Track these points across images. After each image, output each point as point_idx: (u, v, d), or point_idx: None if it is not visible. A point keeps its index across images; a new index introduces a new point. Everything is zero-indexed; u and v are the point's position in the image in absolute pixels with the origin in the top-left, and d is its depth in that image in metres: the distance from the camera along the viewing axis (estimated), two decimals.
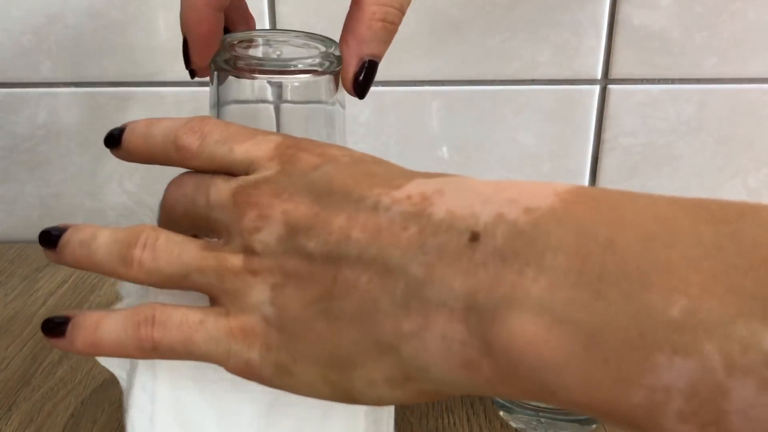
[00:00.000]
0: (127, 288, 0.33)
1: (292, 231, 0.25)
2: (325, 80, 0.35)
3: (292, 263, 0.25)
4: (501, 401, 0.39)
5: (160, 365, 0.33)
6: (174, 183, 0.31)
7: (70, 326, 0.28)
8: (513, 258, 0.22)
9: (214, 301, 0.28)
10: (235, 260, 0.26)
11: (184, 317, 0.27)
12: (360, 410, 0.32)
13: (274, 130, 0.36)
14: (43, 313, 0.50)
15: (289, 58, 0.35)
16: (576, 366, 0.21)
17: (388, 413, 0.32)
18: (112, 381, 0.43)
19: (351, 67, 0.33)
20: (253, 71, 0.34)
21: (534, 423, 0.38)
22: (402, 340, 0.24)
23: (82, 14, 0.56)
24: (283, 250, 0.25)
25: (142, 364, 0.33)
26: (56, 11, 0.56)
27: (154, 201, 0.62)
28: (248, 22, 0.38)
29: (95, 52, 0.57)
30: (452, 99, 0.59)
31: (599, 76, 0.59)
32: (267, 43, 0.37)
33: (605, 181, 0.61)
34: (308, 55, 0.35)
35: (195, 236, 0.29)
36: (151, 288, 0.30)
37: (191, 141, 0.29)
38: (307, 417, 0.32)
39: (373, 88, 0.59)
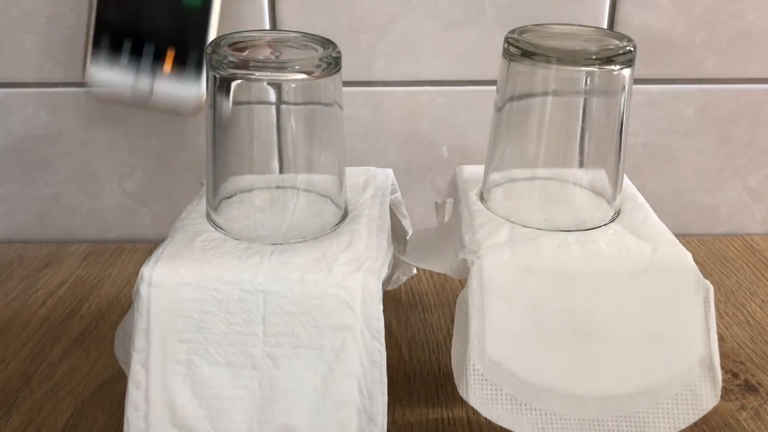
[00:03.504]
0: None
1: None
2: (324, 82, 0.35)
3: None
4: None
5: (152, 362, 0.33)
6: None
7: None
8: None
9: None
10: None
11: None
12: (353, 407, 0.32)
13: (273, 130, 0.36)
14: (43, 314, 0.51)
15: (288, 59, 0.35)
16: None
17: (382, 410, 0.32)
18: (112, 381, 0.43)
19: None
20: (251, 72, 0.34)
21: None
22: None
23: (82, 14, 0.56)
24: None
25: (135, 361, 0.33)
26: (56, 11, 0.56)
27: (154, 201, 0.62)
28: None
29: None
30: (452, 99, 0.59)
31: None
32: (266, 43, 0.37)
33: None
34: (307, 56, 0.35)
35: None
36: None
37: None
38: (299, 414, 0.32)
39: (373, 88, 0.59)
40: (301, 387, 0.33)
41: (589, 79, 0.36)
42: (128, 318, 0.35)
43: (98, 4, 0.51)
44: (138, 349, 0.33)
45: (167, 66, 0.46)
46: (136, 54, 0.50)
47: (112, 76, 0.51)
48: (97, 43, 0.50)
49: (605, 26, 0.57)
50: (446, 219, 0.46)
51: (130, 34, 0.50)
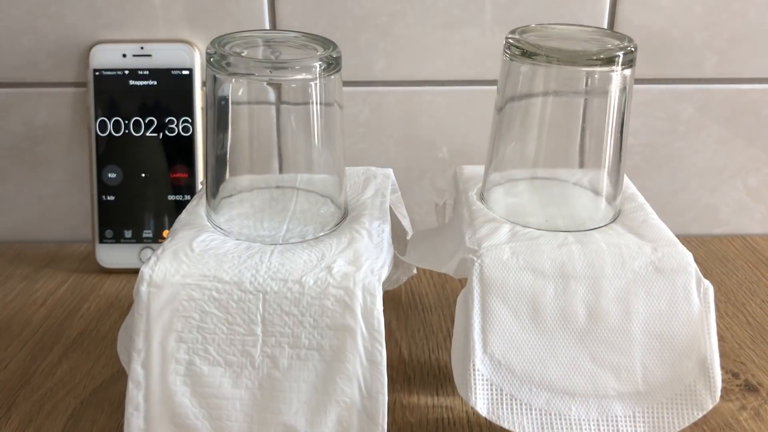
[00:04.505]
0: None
1: None
2: (324, 82, 0.35)
3: None
4: None
5: (152, 362, 0.33)
6: None
7: None
8: None
9: None
10: None
11: None
12: (353, 407, 0.32)
13: (273, 130, 0.36)
14: (43, 314, 0.51)
15: (288, 59, 0.35)
16: None
17: (382, 410, 0.32)
18: (111, 381, 0.43)
19: None
20: (251, 72, 0.34)
21: None
22: None
23: (82, 14, 0.56)
24: None
25: (135, 361, 0.33)
26: (56, 11, 0.56)
27: None
28: None
29: None
30: (452, 99, 0.59)
31: None
32: (266, 43, 0.37)
33: None
34: (307, 56, 0.35)
35: None
36: None
37: None
38: (299, 414, 0.32)
39: (373, 88, 0.59)
40: (301, 387, 0.33)
41: (589, 80, 0.36)
42: (129, 318, 0.35)
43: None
44: (138, 349, 0.33)
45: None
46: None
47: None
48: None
49: (605, 26, 0.57)
50: (446, 219, 0.46)
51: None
